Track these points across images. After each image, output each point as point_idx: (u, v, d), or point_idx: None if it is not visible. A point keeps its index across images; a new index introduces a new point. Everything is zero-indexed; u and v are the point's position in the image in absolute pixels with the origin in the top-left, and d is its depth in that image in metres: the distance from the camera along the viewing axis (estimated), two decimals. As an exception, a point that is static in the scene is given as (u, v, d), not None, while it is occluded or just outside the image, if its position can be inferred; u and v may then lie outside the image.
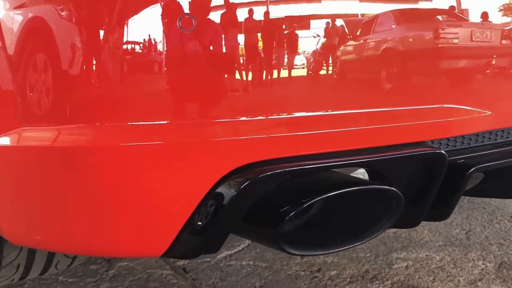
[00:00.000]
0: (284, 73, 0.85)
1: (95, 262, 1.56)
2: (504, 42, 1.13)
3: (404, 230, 1.82)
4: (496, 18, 1.11)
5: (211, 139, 0.81)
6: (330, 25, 0.91)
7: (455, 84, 1.02)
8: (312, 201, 0.82)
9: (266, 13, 0.85)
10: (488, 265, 1.57)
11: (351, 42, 0.92)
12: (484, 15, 1.10)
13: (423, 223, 1.88)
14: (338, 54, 0.89)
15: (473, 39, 1.09)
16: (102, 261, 1.57)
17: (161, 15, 0.79)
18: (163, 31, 0.79)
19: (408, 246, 1.70)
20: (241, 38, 0.83)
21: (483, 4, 1.10)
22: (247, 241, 1.72)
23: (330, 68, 0.88)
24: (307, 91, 0.87)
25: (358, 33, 0.93)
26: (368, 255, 1.63)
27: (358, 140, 0.87)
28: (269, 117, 0.83)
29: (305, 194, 0.83)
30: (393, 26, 0.99)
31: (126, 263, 1.56)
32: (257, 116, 0.82)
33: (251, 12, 0.84)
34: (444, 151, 0.92)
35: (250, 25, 0.84)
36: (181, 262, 1.57)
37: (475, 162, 0.98)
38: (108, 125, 0.81)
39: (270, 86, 0.84)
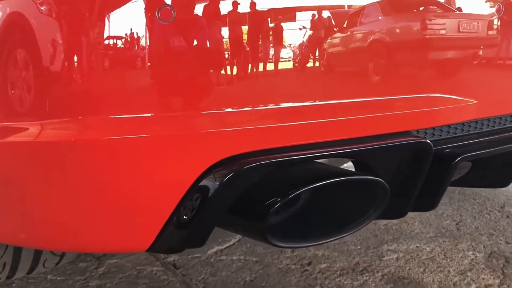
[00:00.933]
0: (268, 65, 0.85)
1: (84, 259, 1.55)
2: (490, 32, 1.13)
3: (395, 222, 1.82)
4: (483, 9, 1.12)
5: (195, 131, 0.80)
6: (316, 17, 0.90)
7: (441, 74, 1.02)
8: (297, 192, 0.81)
9: (252, 5, 0.84)
10: (478, 255, 1.57)
11: (338, 34, 0.92)
12: (471, 6, 1.10)
13: (413, 214, 1.89)
14: (324, 45, 0.89)
15: (460, 30, 1.09)
16: (92, 259, 1.56)
17: (142, 8, 0.78)
18: (145, 23, 0.78)
19: (398, 238, 1.70)
20: (225, 31, 0.82)
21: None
22: (238, 236, 1.72)
23: (316, 59, 0.88)
24: (292, 82, 0.86)
25: (344, 25, 0.93)
26: (358, 247, 1.63)
27: (343, 130, 0.86)
28: (253, 109, 0.82)
29: (290, 186, 0.82)
30: (380, 17, 0.98)
31: (115, 260, 1.55)
32: (241, 108, 0.82)
33: (235, 4, 0.83)
34: (430, 140, 0.92)
35: (235, 18, 0.83)
36: (171, 258, 1.56)
37: (461, 151, 0.98)
38: (91, 118, 0.80)
39: (254, 78, 0.84)
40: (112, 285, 1.42)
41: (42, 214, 0.87)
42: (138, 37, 0.78)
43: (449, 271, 1.47)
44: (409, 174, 0.92)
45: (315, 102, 0.86)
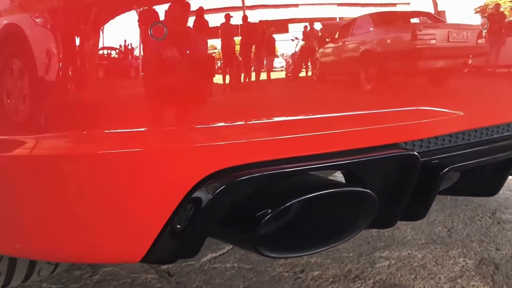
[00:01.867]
0: (260, 79, 0.86)
1: (79, 267, 1.56)
2: (479, 42, 1.16)
3: (387, 229, 1.84)
4: (472, 19, 1.14)
5: (188, 145, 0.82)
6: (308, 28, 0.92)
7: (429, 86, 1.04)
8: (287, 204, 0.83)
9: (244, 18, 0.86)
10: (469, 261, 1.59)
11: (329, 49, 0.94)
12: (461, 16, 1.12)
13: (406, 222, 1.91)
14: (315, 59, 0.90)
15: (450, 40, 1.11)
16: (86, 267, 1.57)
17: (136, 22, 0.80)
18: (139, 39, 0.79)
19: (391, 245, 1.72)
20: (217, 46, 0.84)
21: (459, 5, 1.12)
22: (232, 243, 1.73)
23: (306, 72, 0.89)
24: (282, 97, 0.88)
25: (336, 37, 0.95)
26: (351, 254, 1.64)
27: (333, 143, 0.88)
28: (245, 123, 0.84)
29: (280, 198, 0.84)
30: (371, 29, 1.00)
31: (110, 268, 1.56)
32: (233, 122, 0.83)
33: (228, 17, 0.85)
34: (418, 152, 0.94)
35: (226, 33, 0.85)
36: (165, 266, 1.57)
37: (449, 162, 1.00)
38: (86, 133, 0.82)
39: (246, 93, 0.86)
40: (107, 293, 1.43)
41: (37, 226, 0.88)
42: (132, 54, 0.80)
43: (439, 278, 1.49)
44: (397, 185, 0.94)
45: (306, 115, 0.88)
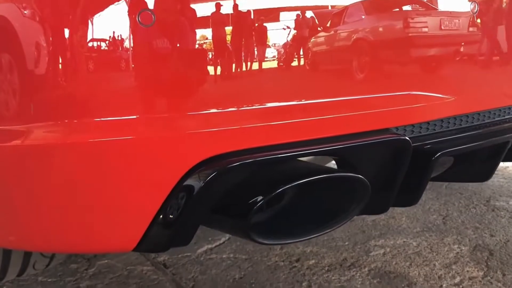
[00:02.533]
0: (251, 65, 0.86)
1: (75, 261, 1.56)
2: (470, 29, 1.16)
3: (383, 217, 1.85)
4: (463, 6, 1.14)
5: (179, 132, 0.82)
6: (299, 17, 0.92)
7: (421, 72, 1.04)
8: (280, 190, 0.83)
9: (235, 6, 0.86)
10: (463, 248, 1.60)
11: (321, 34, 0.94)
12: (452, 4, 1.12)
13: (401, 210, 1.92)
14: (307, 45, 0.90)
15: (442, 28, 1.11)
16: (82, 260, 1.57)
17: (125, 12, 0.79)
18: (127, 27, 0.79)
19: (386, 233, 1.73)
20: (207, 32, 0.84)
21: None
22: (228, 235, 1.73)
23: (298, 59, 0.89)
24: (274, 82, 0.88)
25: (328, 25, 0.94)
26: (346, 243, 1.65)
27: (324, 128, 0.88)
28: (235, 109, 0.84)
29: (273, 184, 0.84)
30: (363, 17, 1.00)
31: (106, 261, 1.56)
32: (225, 109, 0.83)
33: (218, 6, 0.85)
34: (410, 137, 0.94)
35: (217, 19, 0.84)
36: (161, 258, 1.58)
37: (440, 147, 1.00)
38: (76, 121, 0.81)
39: (237, 79, 0.86)
40: (103, 285, 1.43)
41: (30, 217, 0.88)
42: (122, 40, 0.80)
43: (434, 265, 1.50)
44: (389, 170, 0.95)
45: (298, 101, 0.88)
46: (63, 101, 0.81)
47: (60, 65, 0.80)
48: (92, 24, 0.80)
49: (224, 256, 1.59)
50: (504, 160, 1.29)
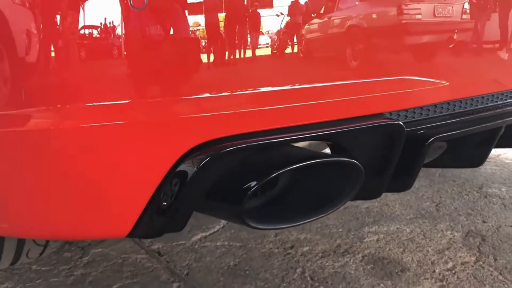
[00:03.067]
0: (244, 50, 0.86)
1: (68, 249, 1.56)
2: (464, 16, 1.16)
3: (376, 204, 1.86)
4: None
5: (172, 117, 0.81)
6: (293, 3, 0.91)
7: (415, 57, 1.04)
8: (274, 175, 0.83)
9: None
10: (456, 234, 1.61)
11: (315, 20, 0.93)
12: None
13: (394, 197, 1.93)
14: (301, 31, 0.90)
15: (436, 15, 1.11)
16: (76, 248, 1.57)
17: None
18: (119, 11, 0.78)
19: (379, 220, 1.74)
20: (201, 17, 0.83)
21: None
22: (222, 223, 1.74)
23: (292, 45, 0.89)
24: (268, 67, 0.88)
25: (322, 11, 0.94)
26: (340, 230, 1.66)
27: (318, 113, 0.88)
28: (230, 94, 0.84)
29: (267, 169, 0.84)
30: (357, 3, 1.00)
31: (100, 249, 1.56)
32: (218, 93, 0.83)
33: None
34: (403, 122, 0.94)
35: (211, 3, 0.84)
36: (155, 246, 1.58)
37: (434, 132, 1.00)
38: (68, 107, 0.81)
39: (231, 64, 0.85)
40: (97, 273, 1.43)
41: (22, 203, 0.87)
42: (113, 25, 0.79)
43: (427, 251, 1.51)
44: (383, 155, 0.95)
45: (292, 86, 0.88)
46: (55, 86, 0.80)
47: (51, 51, 0.79)
48: (83, 8, 0.79)
49: (218, 243, 1.59)
50: (496, 147, 1.30)
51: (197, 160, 0.80)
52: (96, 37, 0.79)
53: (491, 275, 1.36)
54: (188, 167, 0.80)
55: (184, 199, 0.83)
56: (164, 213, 0.84)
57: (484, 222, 1.70)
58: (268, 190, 0.95)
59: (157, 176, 0.81)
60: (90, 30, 0.79)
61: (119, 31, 0.78)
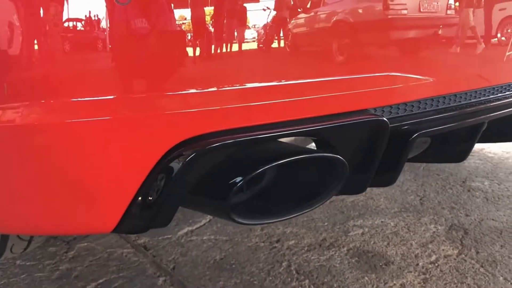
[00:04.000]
0: (230, 46, 0.85)
1: (54, 244, 1.55)
2: (449, 12, 1.17)
3: (361, 198, 1.88)
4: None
5: (158, 112, 0.81)
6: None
7: (399, 53, 1.05)
8: (260, 170, 0.83)
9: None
10: (439, 228, 1.64)
11: (301, 15, 0.93)
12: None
13: (379, 191, 1.95)
14: (287, 26, 0.90)
15: (421, 10, 1.12)
16: (61, 243, 1.56)
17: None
18: (104, 5, 0.77)
19: (364, 214, 1.76)
20: (187, 11, 0.82)
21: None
22: (209, 217, 1.74)
23: (278, 40, 0.89)
24: (253, 63, 0.88)
25: (308, 6, 0.94)
26: (325, 224, 1.67)
27: (303, 109, 0.88)
28: (215, 90, 0.84)
29: (252, 164, 0.84)
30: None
31: (86, 243, 1.56)
32: (203, 89, 0.83)
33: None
34: (387, 118, 0.95)
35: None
36: (141, 240, 1.58)
37: (417, 128, 1.01)
38: (52, 102, 0.80)
39: (216, 59, 0.85)
40: (83, 268, 1.43)
41: (6, 198, 0.87)
42: (98, 19, 0.78)
43: (411, 244, 1.53)
44: (368, 151, 0.96)
45: (277, 82, 0.88)
46: (39, 81, 0.80)
47: (35, 44, 0.79)
48: (67, 1, 0.78)
49: (204, 237, 1.60)
50: (479, 142, 1.31)
51: (182, 156, 0.80)
52: (80, 30, 0.78)
53: (473, 267, 1.39)
54: (173, 163, 0.80)
55: (170, 195, 0.84)
56: (149, 209, 0.84)
57: (467, 215, 1.73)
58: (254, 185, 0.95)
59: (142, 172, 0.80)
60: (75, 24, 0.79)
61: (103, 24, 0.78)
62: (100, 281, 1.35)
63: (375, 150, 0.95)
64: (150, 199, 0.83)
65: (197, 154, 0.80)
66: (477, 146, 2.48)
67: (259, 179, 0.96)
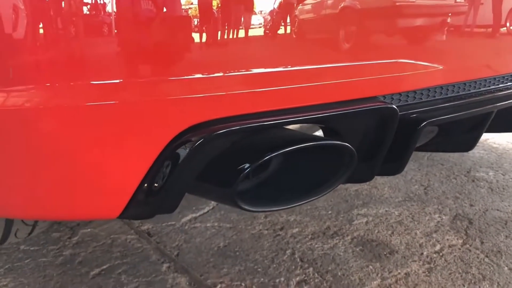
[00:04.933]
0: (238, 31, 0.84)
1: (57, 229, 1.55)
2: (458, 0, 1.15)
3: (365, 187, 1.87)
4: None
5: (164, 97, 0.80)
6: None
7: (409, 40, 1.03)
8: (267, 157, 0.82)
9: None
10: (444, 217, 1.63)
11: (308, 1, 0.92)
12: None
13: (383, 180, 1.94)
14: (294, 12, 0.88)
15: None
16: (65, 229, 1.56)
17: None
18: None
19: (368, 202, 1.75)
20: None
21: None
22: (212, 204, 1.74)
23: (286, 26, 0.87)
24: (261, 48, 0.86)
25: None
26: (329, 212, 1.67)
27: (312, 96, 0.87)
28: (223, 75, 0.82)
29: (259, 152, 0.83)
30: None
31: (89, 229, 1.56)
32: (210, 74, 0.81)
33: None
34: (396, 106, 0.94)
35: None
36: (145, 227, 1.57)
37: (426, 116, 1.00)
38: (59, 85, 0.79)
39: (223, 44, 0.83)
40: (86, 253, 1.43)
41: (11, 182, 0.86)
42: (104, 2, 0.77)
43: (416, 233, 1.53)
44: (376, 138, 0.95)
45: (285, 68, 0.87)
46: (45, 64, 0.78)
47: (40, 28, 0.77)
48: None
49: (208, 224, 1.59)
50: (487, 131, 1.30)
51: (189, 142, 0.79)
52: (86, 14, 0.77)
53: (478, 257, 1.39)
54: (180, 149, 0.79)
55: (176, 181, 0.83)
56: (155, 195, 0.83)
57: (471, 205, 1.72)
58: (260, 172, 0.94)
59: (149, 157, 0.80)
60: (82, 8, 0.77)
61: (109, 8, 0.76)
62: (104, 267, 1.35)
63: (383, 138, 0.94)
64: (156, 186, 0.82)
65: (204, 140, 0.79)
66: (482, 137, 2.46)
67: (266, 165, 0.95)
